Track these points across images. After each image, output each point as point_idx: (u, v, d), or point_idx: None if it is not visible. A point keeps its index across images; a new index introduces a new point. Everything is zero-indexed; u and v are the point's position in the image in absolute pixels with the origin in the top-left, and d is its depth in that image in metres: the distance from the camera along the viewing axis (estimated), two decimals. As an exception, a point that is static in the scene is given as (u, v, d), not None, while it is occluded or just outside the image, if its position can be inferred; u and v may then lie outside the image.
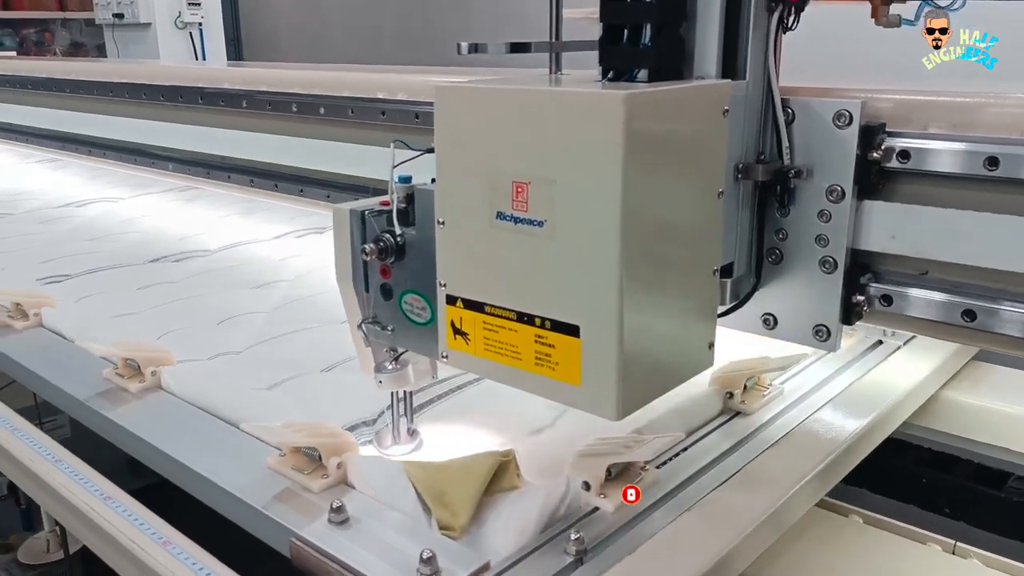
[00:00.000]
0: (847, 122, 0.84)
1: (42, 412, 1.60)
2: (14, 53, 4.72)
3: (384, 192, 0.86)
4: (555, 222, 0.71)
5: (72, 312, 1.41)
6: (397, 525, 0.81)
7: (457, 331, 0.81)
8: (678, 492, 0.88)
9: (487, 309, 0.78)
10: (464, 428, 1.01)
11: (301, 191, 1.68)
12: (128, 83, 2.11)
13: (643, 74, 0.79)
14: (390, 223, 0.85)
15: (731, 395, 1.05)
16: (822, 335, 0.90)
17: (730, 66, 0.85)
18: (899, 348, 1.26)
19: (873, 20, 0.88)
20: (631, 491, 0.84)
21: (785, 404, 1.08)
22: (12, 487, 1.87)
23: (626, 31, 0.80)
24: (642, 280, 0.72)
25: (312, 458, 0.89)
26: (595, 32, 0.82)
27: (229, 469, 0.91)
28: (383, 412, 1.01)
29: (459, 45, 0.82)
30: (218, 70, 2.21)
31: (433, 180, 0.81)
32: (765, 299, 0.93)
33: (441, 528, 0.79)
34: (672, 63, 0.82)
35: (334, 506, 0.81)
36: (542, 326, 0.74)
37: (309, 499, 0.85)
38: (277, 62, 3.45)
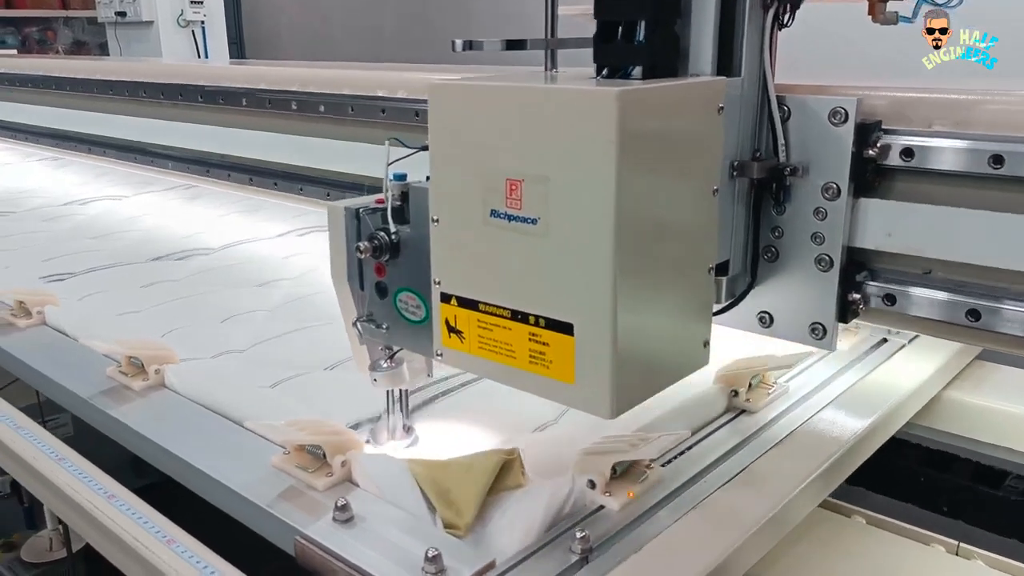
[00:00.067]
0: (843, 119, 0.84)
1: (45, 410, 1.61)
2: (15, 51, 4.73)
3: (380, 190, 0.86)
4: (549, 220, 0.72)
5: (75, 310, 1.41)
6: (402, 523, 0.80)
7: (451, 329, 0.81)
8: (683, 491, 0.88)
9: (481, 307, 0.78)
10: (467, 427, 1.01)
11: (301, 189, 1.69)
12: (128, 81, 2.12)
13: (638, 71, 0.79)
14: (385, 221, 0.86)
15: (736, 393, 1.05)
16: (818, 333, 0.90)
17: (725, 63, 0.84)
18: (903, 346, 1.26)
19: (871, 18, 0.88)
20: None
21: (790, 402, 1.08)
22: (15, 485, 1.88)
23: (620, 28, 0.80)
24: (636, 278, 0.72)
25: (316, 456, 0.89)
26: (591, 29, 0.82)
27: (233, 467, 0.91)
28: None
29: (454, 43, 0.82)
30: (217, 68, 2.21)
31: (428, 178, 0.81)
32: (761, 297, 0.92)
33: (446, 526, 0.79)
34: (667, 60, 0.82)
35: (339, 504, 0.81)
36: (536, 324, 0.75)
37: (313, 497, 0.85)
38: (278, 60, 3.45)
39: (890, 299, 0.88)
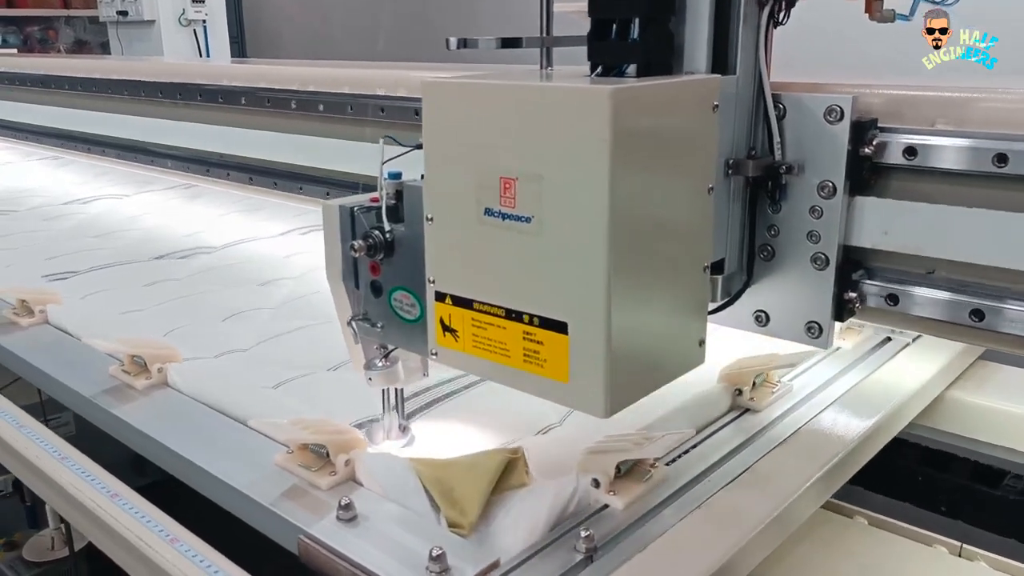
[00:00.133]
0: (838, 117, 0.84)
1: (47, 409, 1.61)
2: (15, 50, 4.74)
3: (375, 188, 0.86)
4: (543, 218, 0.71)
5: (78, 309, 1.42)
6: (406, 522, 0.80)
7: (446, 328, 0.81)
8: (687, 490, 0.87)
9: (476, 306, 0.78)
10: (470, 429, 1.00)
11: (300, 188, 1.69)
12: (127, 80, 2.12)
13: (632, 69, 0.79)
14: (379, 219, 0.86)
15: (740, 392, 1.05)
16: (814, 332, 0.90)
17: (720, 61, 0.84)
18: (907, 345, 1.25)
19: (867, 15, 0.88)
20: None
21: (794, 401, 1.07)
22: (17, 484, 1.89)
23: (615, 25, 0.80)
24: (630, 277, 0.72)
25: (320, 455, 0.88)
26: (587, 27, 0.82)
27: (236, 466, 0.91)
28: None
29: (448, 40, 0.82)
30: (216, 67, 2.22)
31: (423, 176, 0.81)
32: (757, 296, 0.92)
33: (450, 526, 0.79)
34: (661, 58, 0.81)
35: (342, 503, 0.80)
36: (530, 323, 0.75)
37: (317, 496, 0.85)
38: (279, 59, 3.46)
39: (893, 299, 0.88)
